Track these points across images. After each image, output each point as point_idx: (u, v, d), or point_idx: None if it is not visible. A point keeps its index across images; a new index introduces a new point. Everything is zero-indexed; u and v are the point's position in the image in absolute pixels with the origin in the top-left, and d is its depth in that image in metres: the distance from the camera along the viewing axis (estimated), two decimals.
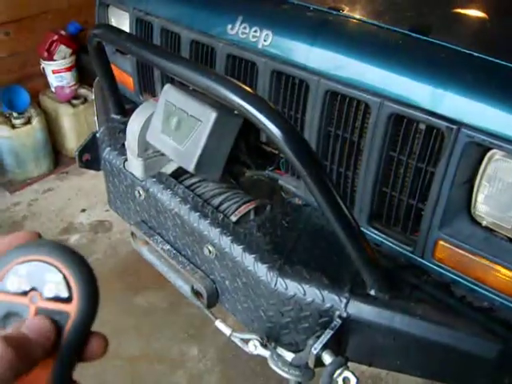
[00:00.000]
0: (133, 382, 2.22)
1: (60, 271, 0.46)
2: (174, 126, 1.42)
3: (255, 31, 1.44)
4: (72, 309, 0.46)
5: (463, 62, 1.17)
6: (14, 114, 3.29)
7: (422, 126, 1.21)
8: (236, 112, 1.35)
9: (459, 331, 1.17)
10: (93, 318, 0.47)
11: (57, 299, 0.46)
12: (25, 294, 0.46)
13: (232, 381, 2.25)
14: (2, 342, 0.41)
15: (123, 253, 2.88)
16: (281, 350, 1.32)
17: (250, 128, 1.50)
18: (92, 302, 0.47)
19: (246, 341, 1.35)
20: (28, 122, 3.30)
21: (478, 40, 1.32)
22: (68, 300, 0.46)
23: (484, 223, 1.19)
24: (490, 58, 1.13)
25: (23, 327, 0.44)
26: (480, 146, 1.11)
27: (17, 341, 0.42)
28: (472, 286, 1.22)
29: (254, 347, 1.33)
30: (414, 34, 1.25)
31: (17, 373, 0.41)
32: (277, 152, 1.63)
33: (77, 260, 0.47)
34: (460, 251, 1.20)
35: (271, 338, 1.34)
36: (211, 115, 1.34)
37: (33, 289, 0.46)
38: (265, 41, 1.42)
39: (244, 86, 1.10)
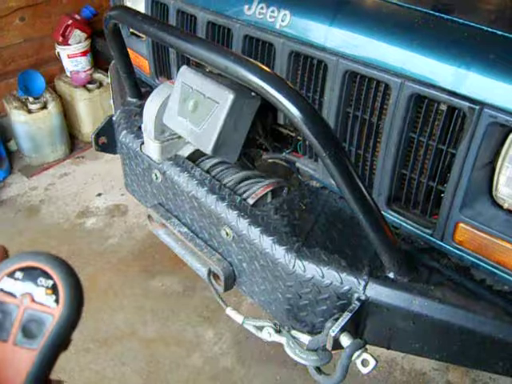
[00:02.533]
0: (150, 364, 2.25)
1: (51, 278, 0.51)
2: (190, 109, 1.42)
3: (272, 11, 1.43)
4: (57, 312, 0.51)
5: (486, 41, 1.15)
6: (30, 99, 3.31)
7: (443, 107, 1.18)
8: (253, 94, 1.35)
9: (479, 315, 1.16)
10: (75, 322, 0.52)
11: (45, 303, 0.51)
12: (18, 296, 0.51)
13: (247, 363, 2.26)
14: None
15: (139, 236, 2.89)
16: (296, 333, 1.32)
17: (267, 110, 1.49)
18: (76, 309, 0.52)
19: (260, 328, 1.35)
20: (44, 106, 3.32)
21: (502, 18, 1.29)
22: (55, 304, 0.51)
23: (506, 206, 1.17)
24: None
25: None
26: (503, 127, 1.09)
27: None
28: (492, 269, 1.21)
29: (269, 334, 1.33)
30: (436, 13, 1.23)
31: None
32: (294, 134, 1.61)
33: (67, 271, 0.52)
34: (481, 234, 1.19)
35: (286, 322, 1.34)
36: (228, 97, 1.33)
37: (26, 292, 0.51)
38: (282, 21, 1.41)
39: (263, 66, 1.09)
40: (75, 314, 0.51)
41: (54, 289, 0.51)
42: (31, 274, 0.51)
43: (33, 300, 0.51)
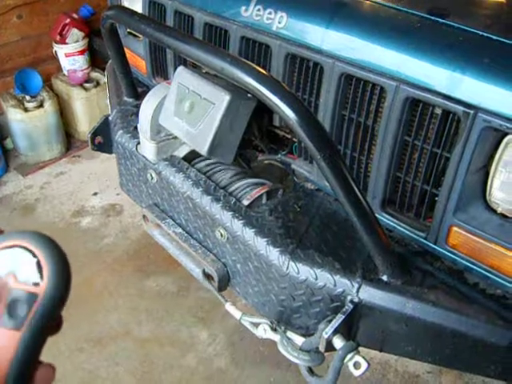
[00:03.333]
0: (144, 364, 2.24)
1: (35, 255, 0.49)
2: (186, 109, 1.42)
3: (269, 13, 1.43)
4: (41, 291, 0.48)
5: (481, 46, 1.15)
6: (27, 98, 3.30)
7: (438, 111, 1.19)
8: (249, 95, 1.35)
9: (472, 318, 1.17)
10: (61, 300, 0.50)
11: (29, 281, 0.49)
12: (3, 276, 0.49)
13: (241, 365, 2.26)
14: None
15: (134, 236, 2.89)
16: (291, 334, 1.32)
17: (262, 112, 1.49)
18: (61, 286, 0.49)
19: (256, 324, 1.36)
20: (40, 105, 3.31)
21: (497, 23, 1.29)
22: (39, 282, 0.49)
23: (499, 210, 1.17)
24: (509, 42, 1.11)
25: None
26: (497, 131, 1.09)
27: None
28: (485, 272, 1.21)
29: (264, 331, 1.33)
30: (431, 17, 1.23)
31: None
32: (289, 136, 1.62)
33: (52, 246, 0.50)
34: (474, 238, 1.19)
35: (281, 322, 1.34)
36: (224, 98, 1.34)
37: (10, 272, 0.49)
38: (279, 23, 1.41)
39: (259, 68, 1.09)
40: (62, 292, 0.49)
41: (38, 267, 0.49)
42: (14, 253, 0.49)
43: (17, 279, 0.49)
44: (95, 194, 3.23)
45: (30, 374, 0.48)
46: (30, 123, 3.30)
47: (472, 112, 1.09)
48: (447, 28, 1.20)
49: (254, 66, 1.10)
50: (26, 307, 0.48)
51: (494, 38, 1.13)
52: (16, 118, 3.26)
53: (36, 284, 0.48)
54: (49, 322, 0.49)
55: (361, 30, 1.29)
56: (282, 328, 1.32)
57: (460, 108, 1.11)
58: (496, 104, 1.06)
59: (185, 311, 2.48)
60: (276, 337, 1.31)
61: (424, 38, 1.22)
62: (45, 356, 0.50)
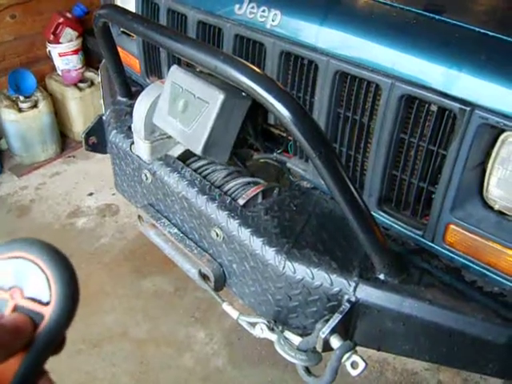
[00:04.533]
0: (141, 364, 2.23)
1: (44, 272, 0.47)
2: (180, 108, 1.40)
3: (263, 11, 1.42)
4: (48, 311, 0.46)
5: (477, 42, 1.14)
6: (21, 98, 3.28)
7: (434, 108, 1.18)
8: (244, 94, 1.34)
9: (469, 316, 1.16)
10: (67, 322, 0.47)
11: (36, 299, 0.46)
12: (7, 289, 0.47)
13: (239, 364, 2.25)
14: None
15: (130, 236, 2.88)
16: (288, 334, 1.31)
17: (257, 110, 1.48)
18: (68, 308, 0.47)
19: (253, 324, 1.35)
20: (35, 105, 3.29)
21: (493, 19, 1.29)
22: (46, 302, 0.46)
23: (496, 207, 1.16)
24: (505, 38, 1.10)
25: (2, 320, 0.45)
26: (493, 128, 1.09)
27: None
28: (483, 270, 1.21)
29: (261, 331, 1.32)
30: (427, 14, 1.22)
31: None
32: (285, 134, 1.61)
33: (62, 263, 0.47)
34: (471, 235, 1.19)
35: (278, 322, 1.33)
36: (218, 97, 1.32)
37: (15, 286, 0.47)
38: (273, 21, 1.40)
39: (253, 67, 1.08)
40: (69, 314, 0.47)
41: (47, 284, 0.46)
42: (22, 265, 0.47)
43: (24, 295, 0.46)
44: (91, 194, 3.21)
45: None
46: (24, 124, 3.28)
47: (468, 109, 1.09)
48: (443, 24, 1.19)
49: (248, 64, 1.09)
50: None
51: (491, 34, 1.12)
52: (10, 118, 3.24)
53: (43, 303, 0.46)
54: (53, 343, 0.47)
55: (355, 27, 1.28)
56: (280, 328, 1.32)
57: (456, 105, 1.10)
58: (493, 101, 1.05)
59: (182, 311, 2.47)
60: (273, 336, 1.30)
61: (420, 34, 1.21)
62: None
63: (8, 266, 0.47)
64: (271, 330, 1.32)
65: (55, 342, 0.47)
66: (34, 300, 0.46)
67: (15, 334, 0.44)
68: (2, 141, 3.50)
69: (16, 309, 0.46)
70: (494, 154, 1.12)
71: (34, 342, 0.46)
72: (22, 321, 0.45)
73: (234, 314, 1.38)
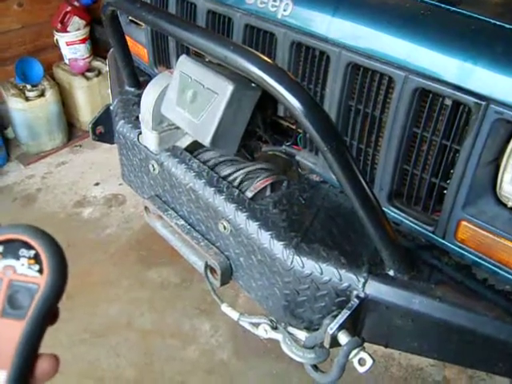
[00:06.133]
0: (146, 356, 2.23)
1: (33, 248, 0.51)
2: (189, 99, 1.38)
3: (274, 0, 1.39)
4: (42, 281, 0.50)
5: (494, 35, 1.11)
6: (28, 87, 3.27)
7: (448, 102, 1.15)
8: (253, 84, 1.31)
9: (480, 314, 1.14)
10: (61, 290, 0.51)
11: (29, 273, 0.50)
12: (1, 269, 0.50)
13: (244, 357, 2.25)
14: None
15: (137, 227, 2.87)
16: (293, 330, 1.30)
17: (267, 102, 1.46)
18: (61, 276, 0.51)
19: (256, 325, 1.33)
20: (42, 94, 3.28)
21: (510, 11, 1.25)
22: (39, 274, 0.50)
23: (510, 204, 1.14)
24: None
25: None
26: (509, 123, 1.06)
27: None
28: (494, 268, 1.18)
29: (265, 332, 1.30)
30: (442, 5, 1.19)
31: None
32: (294, 127, 1.58)
33: (48, 239, 0.52)
34: (483, 232, 1.16)
35: (282, 319, 1.32)
36: (228, 88, 1.30)
37: (7, 265, 0.50)
38: (284, 10, 1.37)
39: (263, 57, 1.05)
40: (61, 283, 0.51)
41: (37, 258, 0.50)
42: (11, 246, 0.51)
43: (16, 272, 0.50)
44: (97, 184, 3.21)
45: (32, 364, 0.49)
46: (31, 112, 3.27)
47: (483, 103, 1.06)
48: (458, 16, 1.16)
49: (259, 54, 1.07)
50: (27, 298, 0.49)
51: (508, 26, 1.09)
52: (17, 107, 3.24)
53: (36, 276, 0.50)
54: (50, 312, 0.50)
55: (368, 18, 1.25)
56: (283, 325, 1.30)
57: (471, 99, 1.08)
58: (508, 95, 1.03)
59: (187, 303, 2.46)
60: (278, 336, 1.28)
61: (434, 26, 1.18)
62: (46, 346, 0.51)
63: None
64: (275, 328, 1.31)
65: (51, 309, 0.51)
66: (26, 274, 0.50)
67: None
68: (9, 130, 3.50)
69: (10, 284, 0.50)
70: (508, 150, 1.09)
71: (32, 312, 0.49)
72: None
73: (234, 315, 1.36)
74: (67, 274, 0.52)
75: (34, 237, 0.51)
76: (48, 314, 0.50)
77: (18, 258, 0.50)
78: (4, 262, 0.50)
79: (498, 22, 1.12)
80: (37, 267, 0.50)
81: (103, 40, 3.51)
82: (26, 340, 0.48)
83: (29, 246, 0.50)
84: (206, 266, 1.46)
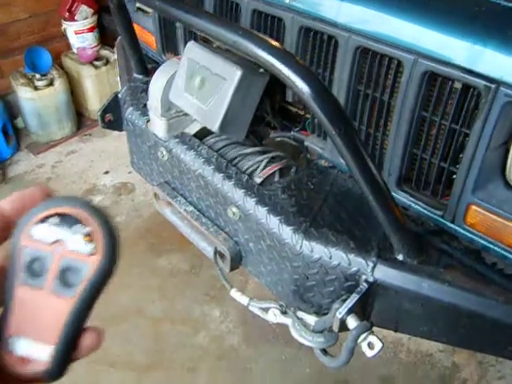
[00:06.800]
0: (156, 342, 2.26)
1: (86, 225, 0.48)
2: (197, 85, 1.38)
3: None
4: (94, 261, 0.48)
5: (504, 17, 1.10)
6: (37, 76, 3.28)
7: (458, 85, 1.15)
8: (261, 70, 1.31)
9: (489, 298, 1.14)
10: (112, 271, 0.50)
11: (81, 250, 0.48)
12: (51, 243, 0.48)
13: (253, 342, 2.27)
14: None
15: (146, 214, 2.89)
16: (302, 314, 1.30)
17: (275, 87, 1.46)
18: (113, 256, 0.49)
19: (266, 310, 1.34)
20: (50, 83, 3.29)
21: None
22: (92, 252, 0.48)
23: None
24: None
25: None
26: None
27: None
28: (504, 252, 1.18)
29: (275, 316, 1.31)
30: None
31: None
32: (302, 113, 1.58)
33: (103, 217, 0.50)
34: (493, 216, 1.16)
35: (291, 303, 1.32)
36: (236, 73, 1.30)
37: (59, 239, 0.48)
38: None
39: (271, 41, 1.05)
40: (112, 264, 0.49)
41: (91, 237, 0.48)
42: (66, 220, 0.48)
43: (67, 248, 0.48)
44: (107, 172, 3.22)
45: (77, 340, 0.49)
46: (40, 102, 3.28)
47: (493, 86, 1.05)
48: None
49: (267, 38, 1.07)
50: (78, 276, 0.48)
51: None
52: (26, 96, 3.25)
53: (88, 255, 0.48)
54: (99, 292, 0.49)
55: (377, 2, 1.24)
56: (292, 310, 1.31)
57: (481, 82, 1.07)
58: None
59: (197, 289, 2.48)
60: (288, 320, 1.29)
61: (444, 8, 1.17)
62: None
63: (51, 222, 0.48)
64: (284, 313, 1.31)
65: (101, 290, 0.49)
66: (78, 252, 0.48)
67: None
68: (19, 119, 3.52)
69: (61, 260, 0.48)
70: None
71: (81, 291, 0.48)
72: None
73: (243, 300, 1.37)
74: (119, 257, 0.50)
75: (90, 213, 0.49)
76: (97, 295, 0.49)
77: (71, 233, 0.48)
78: (56, 236, 0.48)
79: (509, 4, 1.11)
80: (90, 246, 0.48)
81: (111, 28, 3.51)
82: (74, 318, 0.48)
83: (83, 223, 0.48)
84: (216, 251, 1.47)
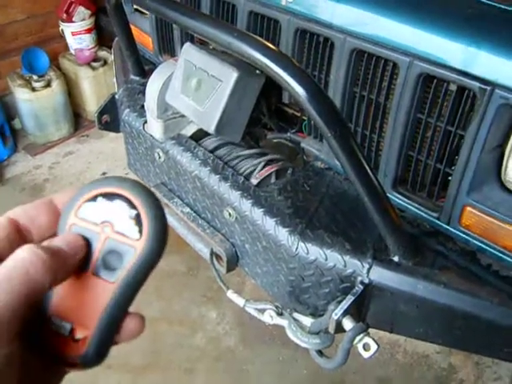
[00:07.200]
0: (153, 343, 2.25)
1: (135, 208, 0.46)
2: (193, 87, 1.39)
3: None
4: (140, 245, 0.46)
5: (499, 19, 1.11)
6: (34, 77, 3.28)
7: (453, 87, 1.15)
8: (258, 72, 1.32)
9: (484, 300, 1.14)
10: (158, 258, 0.47)
11: (127, 233, 0.46)
12: (98, 223, 0.47)
13: (250, 343, 2.27)
14: (35, 246, 0.42)
15: None
16: (298, 316, 1.30)
17: (271, 89, 1.46)
18: (160, 243, 0.47)
19: (262, 311, 1.34)
20: (48, 84, 3.29)
21: None
22: (138, 236, 0.46)
23: None
24: None
25: (54, 241, 0.45)
26: None
27: (49, 248, 0.43)
28: (499, 254, 1.18)
29: (271, 318, 1.31)
30: None
31: (53, 278, 0.42)
32: (299, 114, 1.58)
33: (153, 201, 0.47)
34: (488, 218, 1.16)
35: (288, 305, 1.32)
36: (232, 75, 1.30)
37: (106, 220, 0.47)
38: None
39: (267, 43, 1.05)
40: (159, 250, 0.46)
41: (138, 220, 0.46)
42: (114, 200, 0.46)
43: (114, 229, 0.46)
44: (104, 173, 3.22)
45: (118, 327, 0.47)
46: (37, 103, 3.28)
47: (489, 88, 1.05)
48: (463, 0, 1.15)
49: (263, 40, 1.07)
50: (122, 260, 0.46)
51: None
52: (24, 97, 3.25)
53: (134, 238, 0.46)
54: (143, 279, 0.47)
55: (372, 4, 1.24)
56: (289, 311, 1.31)
57: (476, 84, 1.07)
58: None
59: (194, 291, 2.48)
60: (284, 322, 1.29)
61: (438, 11, 1.18)
62: None
63: (100, 201, 0.47)
64: (280, 315, 1.32)
65: (147, 274, 0.47)
66: (124, 234, 0.46)
67: (70, 251, 0.44)
68: (16, 120, 3.52)
69: (107, 242, 0.46)
70: None
71: (124, 276, 0.46)
72: (75, 240, 0.46)
73: (239, 301, 1.37)
74: (166, 242, 0.47)
75: (139, 196, 0.46)
76: (141, 281, 0.46)
77: (118, 215, 0.46)
78: (104, 217, 0.46)
79: (503, 6, 1.11)
80: (136, 229, 0.46)
81: (109, 30, 3.51)
82: (115, 303, 0.45)
83: (131, 205, 0.46)
84: (212, 253, 1.47)
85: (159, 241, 0.46)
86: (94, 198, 0.47)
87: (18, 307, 0.39)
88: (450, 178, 1.22)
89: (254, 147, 1.60)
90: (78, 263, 0.45)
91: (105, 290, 0.46)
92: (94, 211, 0.47)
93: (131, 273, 0.46)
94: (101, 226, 0.46)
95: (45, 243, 0.45)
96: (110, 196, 0.47)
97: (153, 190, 1.66)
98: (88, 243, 0.46)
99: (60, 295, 0.45)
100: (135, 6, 2.03)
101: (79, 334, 0.45)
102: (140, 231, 0.46)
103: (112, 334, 0.47)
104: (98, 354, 0.46)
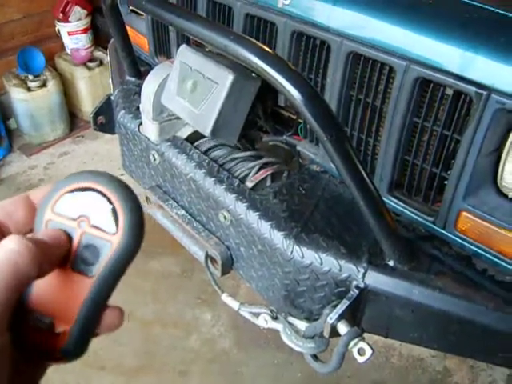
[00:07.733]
0: (147, 345, 2.24)
1: (111, 202, 0.46)
2: (189, 89, 1.38)
3: None
4: (116, 239, 0.46)
5: (496, 24, 1.11)
6: (30, 77, 3.26)
7: (449, 91, 1.15)
8: (254, 74, 1.31)
9: (479, 305, 1.14)
10: (135, 251, 0.47)
11: (103, 228, 0.46)
12: (75, 218, 0.47)
13: (245, 346, 2.26)
14: (23, 237, 0.42)
15: None
16: (293, 320, 1.30)
17: (267, 92, 1.45)
18: (136, 237, 0.47)
19: (256, 315, 1.33)
20: (43, 84, 3.27)
21: None
22: (114, 230, 0.46)
23: (511, 195, 1.14)
24: None
25: (37, 235, 0.46)
26: (510, 113, 1.05)
27: (35, 240, 0.43)
28: (495, 259, 1.18)
29: (265, 321, 1.31)
30: None
31: (39, 270, 0.42)
32: (295, 117, 1.58)
33: (128, 195, 0.48)
34: (484, 223, 1.16)
35: (282, 309, 1.32)
36: (228, 77, 1.30)
37: (82, 215, 0.47)
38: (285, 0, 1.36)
39: (263, 46, 1.05)
40: (135, 243, 0.47)
41: (114, 214, 0.46)
42: (90, 195, 0.46)
43: (90, 224, 0.46)
44: None
45: (97, 320, 0.47)
46: (33, 103, 3.26)
47: (485, 93, 1.05)
48: (461, 5, 1.15)
49: (259, 43, 1.06)
50: (99, 255, 0.46)
51: (510, 15, 1.08)
52: (19, 97, 3.23)
53: (111, 232, 0.46)
54: (120, 273, 0.47)
55: (369, 7, 1.24)
56: (283, 315, 1.30)
57: (472, 89, 1.07)
58: (510, 85, 1.02)
59: (189, 293, 2.47)
60: (278, 326, 1.29)
61: (436, 15, 1.17)
62: None
63: (76, 196, 0.47)
64: (275, 318, 1.31)
65: (124, 268, 0.47)
66: (100, 229, 0.46)
67: (54, 244, 0.45)
68: (12, 120, 3.50)
69: (83, 237, 0.46)
70: (509, 140, 1.09)
71: (102, 270, 0.46)
72: (58, 234, 0.46)
73: (234, 305, 1.37)
74: (143, 236, 0.47)
75: (114, 190, 0.46)
76: (119, 275, 0.47)
77: (94, 210, 0.46)
78: (79, 212, 0.47)
79: (500, 11, 1.11)
80: (112, 223, 0.46)
81: (105, 30, 3.49)
82: (94, 297, 0.46)
83: (107, 199, 0.46)
84: (207, 256, 1.46)
85: (135, 235, 0.47)
86: (70, 193, 0.47)
87: (8, 299, 0.39)
88: (445, 182, 1.21)
89: (250, 150, 1.60)
90: (61, 257, 0.46)
91: (83, 284, 0.46)
92: (70, 206, 0.47)
93: (108, 267, 0.46)
94: (77, 221, 0.47)
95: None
96: (85, 190, 0.47)
97: (148, 191, 1.65)
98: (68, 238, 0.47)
99: (40, 290, 0.46)
100: (131, 7, 2.03)
101: (59, 328, 0.46)
102: (116, 225, 0.46)
103: (92, 327, 0.47)
104: (79, 347, 0.47)
